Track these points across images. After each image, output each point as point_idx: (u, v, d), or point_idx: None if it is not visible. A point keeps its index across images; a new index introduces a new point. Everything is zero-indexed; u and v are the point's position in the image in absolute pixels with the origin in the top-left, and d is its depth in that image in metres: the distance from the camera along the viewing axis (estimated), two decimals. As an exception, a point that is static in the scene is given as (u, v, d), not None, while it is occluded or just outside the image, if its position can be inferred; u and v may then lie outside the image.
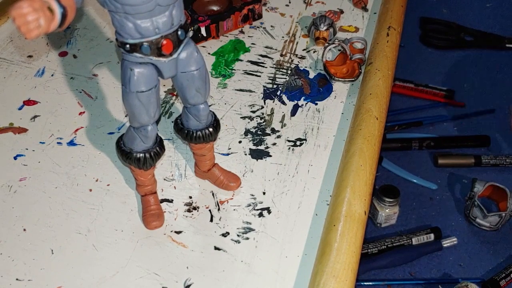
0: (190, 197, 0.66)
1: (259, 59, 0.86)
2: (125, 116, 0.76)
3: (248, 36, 0.90)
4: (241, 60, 0.85)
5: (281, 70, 0.84)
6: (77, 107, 0.77)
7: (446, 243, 1.18)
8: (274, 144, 0.72)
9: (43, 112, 0.77)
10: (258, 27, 0.92)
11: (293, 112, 0.77)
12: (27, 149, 0.71)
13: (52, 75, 0.83)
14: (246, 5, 0.89)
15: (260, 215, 0.64)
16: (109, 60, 0.85)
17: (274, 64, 0.85)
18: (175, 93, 0.79)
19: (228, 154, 0.71)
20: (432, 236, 1.19)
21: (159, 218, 0.62)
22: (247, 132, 0.74)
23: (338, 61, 0.84)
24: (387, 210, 1.19)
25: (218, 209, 0.64)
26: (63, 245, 0.61)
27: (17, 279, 0.57)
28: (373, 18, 0.93)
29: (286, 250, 0.60)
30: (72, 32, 0.90)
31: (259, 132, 0.74)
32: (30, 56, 0.86)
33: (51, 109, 0.77)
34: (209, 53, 0.86)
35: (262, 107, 0.78)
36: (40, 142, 0.72)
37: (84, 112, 0.77)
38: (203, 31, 0.87)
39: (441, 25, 1.73)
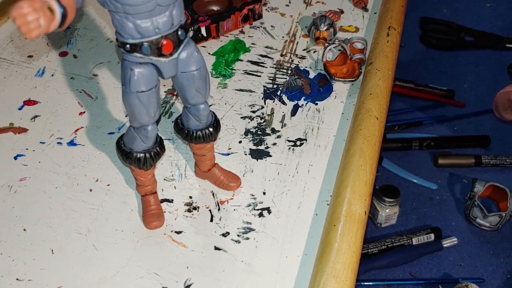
0: (190, 197, 0.66)
1: (259, 59, 0.86)
2: (125, 116, 0.76)
3: (248, 36, 0.90)
4: (241, 60, 0.85)
5: (281, 70, 0.84)
6: (77, 107, 0.77)
7: (446, 243, 1.18)
8: (274, 144, 0.72)
9: (43, 112, 0.77)
10: (258, 27, 0.92)
11: (293, 112, 0.77)
12: (27, 149, 0.71)
13: (52, 75, 0.83)
14: (246, 5, 0.89)
15: (260, 215, 0.64)
16: (109, 60, 0.85)
17: (274, 64, 0.85)
18: (175, 93, 0.79)
19: (228, 154, 0.71)
20: (432, 236, 1.19)
21: (159, 218, 0.62)
22: (247, 132, 0.74)
23: (338, 61, 0.84)
24: (387, 210, 1.19)
25: (218, 209, 0.64)
26: (63, 245, 0.61)
27: (17, 279, 0.57)
28: (373, 18, 0.93)
29: (286, 250, 0.60)
30: (72, 32, 0.91)
31: (259, 132, 0.74)
32: (30, 56, 0.86)
33: (51, 109, 0.77)
34: (209, 53, 0.86)
35: (262, 107, 0.78)
36: (40, 142, 0.72)
37: (84, 112, 0.77)
38: (203, 31, 0.87)
39: (441, 25, 1.73)
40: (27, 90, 0.80)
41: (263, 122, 0.75)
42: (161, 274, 0.58)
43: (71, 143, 0.72)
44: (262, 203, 0.65)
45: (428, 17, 1.75)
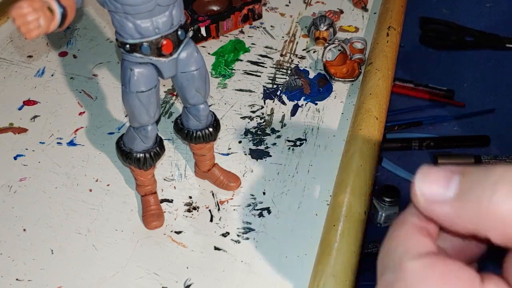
0: (190, 197, 0.66)
1: (259, 59, 0.86)
2: (125, 116, 0.76)
3: (248, 36, 0.90)
4: (241, 60, 0.85)
5: (281, 70, 0.84)
6: (77, 107, 0.77)
7: (446, 243, 1.18)
8: (274, 144, 0.72)
9: (43, 112, 0.77)
10: (258, 27, 0.92)
11: (293, 112, 0.77)
12: (27, 149, 0.71)
13: (52, 75, 0.83)
14: (246, 5, 0.89)
15: (260, 215, 0.64)
16: (109, 60, 0.85)
17: (274, 64, 0.85)
18: (175, 93, 0.79)
19: (228, 154, 0.71)
20: (432, 236, 1.19)
21: (159, 218, 0.62)
22: (247, 132, 0.74)
23: (338, 61, 0.84)
24: (387, 210, 1.19)
25: (218, 209, 0.64)
26: (63, 245, 0.61)
27: (17, 279, 0.57)
28: (373, 18, 0.93)
29: (286, 250, 0.60)
30: (72, 32, 0.90)
31: (259, 132, 0.74)
32: (30, 56, 0.86)
33: (51, 109, 0.77)
34: (209, 53, 0.86)
35: (262, 107, 0.77)
36: (40, 142, 0.72)
37: (84, 112, 0.77)
38: (203, 31, 0.87)
39: (441, 25, 1.73)
40: (26, 90, 0.80)
41: (263, 122, 0.75)
42: (161, 274, 0.58)
43: (71, 143, 0.72)
44: (262, 203, 0.65)
45: (428, 17, 1.75)
